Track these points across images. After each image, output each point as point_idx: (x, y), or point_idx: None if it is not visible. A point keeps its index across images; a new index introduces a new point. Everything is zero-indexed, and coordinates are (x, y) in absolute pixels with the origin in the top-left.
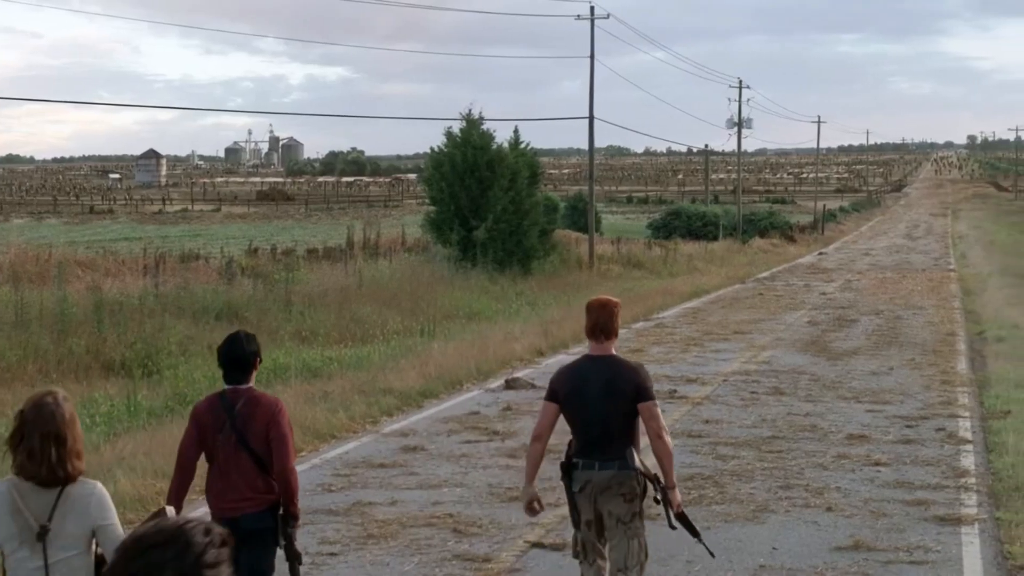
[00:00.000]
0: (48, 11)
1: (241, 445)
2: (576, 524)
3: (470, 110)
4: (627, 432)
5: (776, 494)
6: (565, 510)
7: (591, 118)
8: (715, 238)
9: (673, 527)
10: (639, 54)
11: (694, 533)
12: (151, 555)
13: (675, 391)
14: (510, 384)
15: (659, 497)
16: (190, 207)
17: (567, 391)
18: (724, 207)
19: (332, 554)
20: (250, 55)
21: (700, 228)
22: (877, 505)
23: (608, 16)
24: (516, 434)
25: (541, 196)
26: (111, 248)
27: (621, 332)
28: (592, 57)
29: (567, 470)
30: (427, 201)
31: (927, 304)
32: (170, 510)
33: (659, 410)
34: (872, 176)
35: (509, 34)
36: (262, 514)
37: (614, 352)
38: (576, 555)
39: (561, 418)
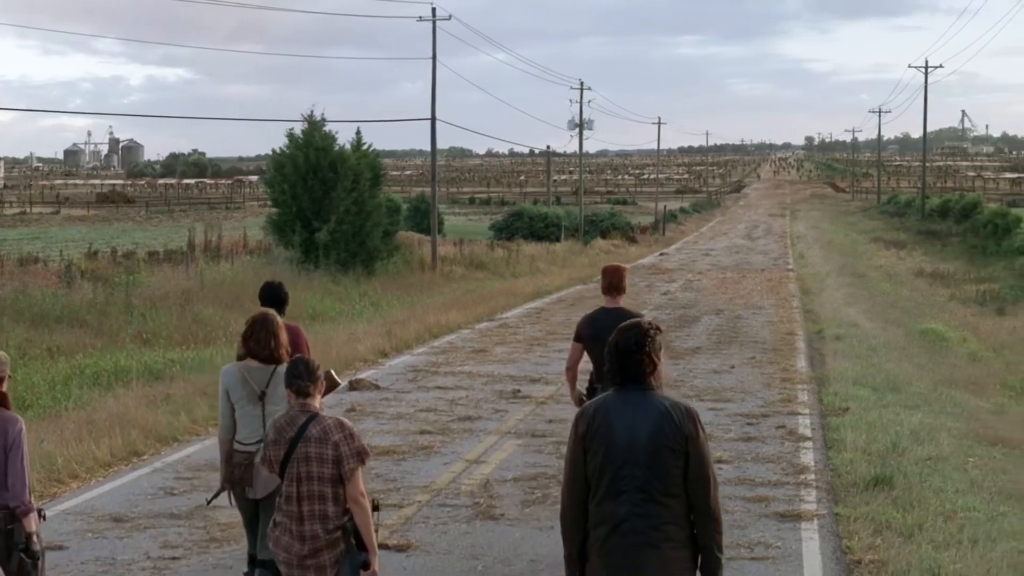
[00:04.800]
0: None
1: None
2: None
3: (312, 111)
4: None
5: None
6: (408, 511)
7: (433, 119)
8: (557, 239)
9: None
10: (481, 55)
11: None
12: (628, 329)
13: (519, 391)
14: (354, 385)
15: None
16: (28, 209)
17: (588, 335)
18: (566, 208)
19: (174, 558)
20: (89, 56)
21: (542, 229)
22: None
23: (450, 17)
24: (360, 435)
25: (383, 197)
26: None
27: (464, 332)
28: (434, 59)
29: (591, 391)
30: (269, 203)
31: (767, 303)
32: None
33: None
34: (712, 177)
35: (350, 35)
36: None
37: (622, 304)
38: None
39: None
